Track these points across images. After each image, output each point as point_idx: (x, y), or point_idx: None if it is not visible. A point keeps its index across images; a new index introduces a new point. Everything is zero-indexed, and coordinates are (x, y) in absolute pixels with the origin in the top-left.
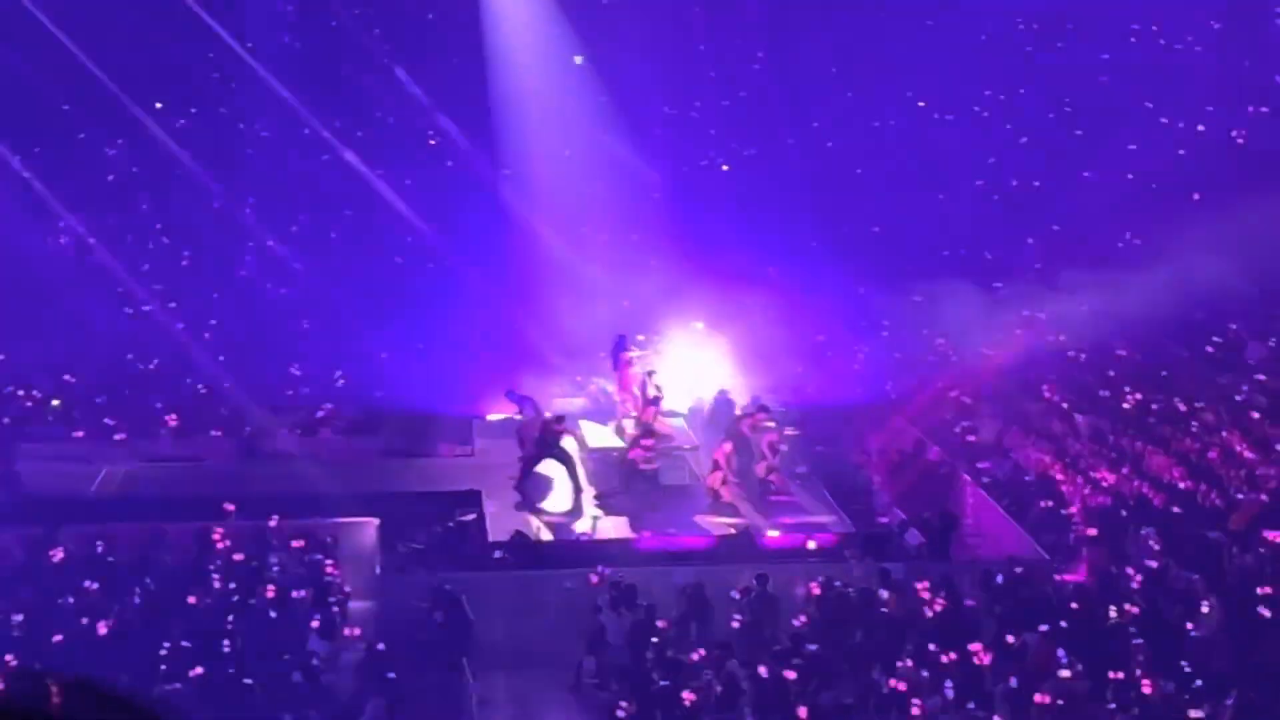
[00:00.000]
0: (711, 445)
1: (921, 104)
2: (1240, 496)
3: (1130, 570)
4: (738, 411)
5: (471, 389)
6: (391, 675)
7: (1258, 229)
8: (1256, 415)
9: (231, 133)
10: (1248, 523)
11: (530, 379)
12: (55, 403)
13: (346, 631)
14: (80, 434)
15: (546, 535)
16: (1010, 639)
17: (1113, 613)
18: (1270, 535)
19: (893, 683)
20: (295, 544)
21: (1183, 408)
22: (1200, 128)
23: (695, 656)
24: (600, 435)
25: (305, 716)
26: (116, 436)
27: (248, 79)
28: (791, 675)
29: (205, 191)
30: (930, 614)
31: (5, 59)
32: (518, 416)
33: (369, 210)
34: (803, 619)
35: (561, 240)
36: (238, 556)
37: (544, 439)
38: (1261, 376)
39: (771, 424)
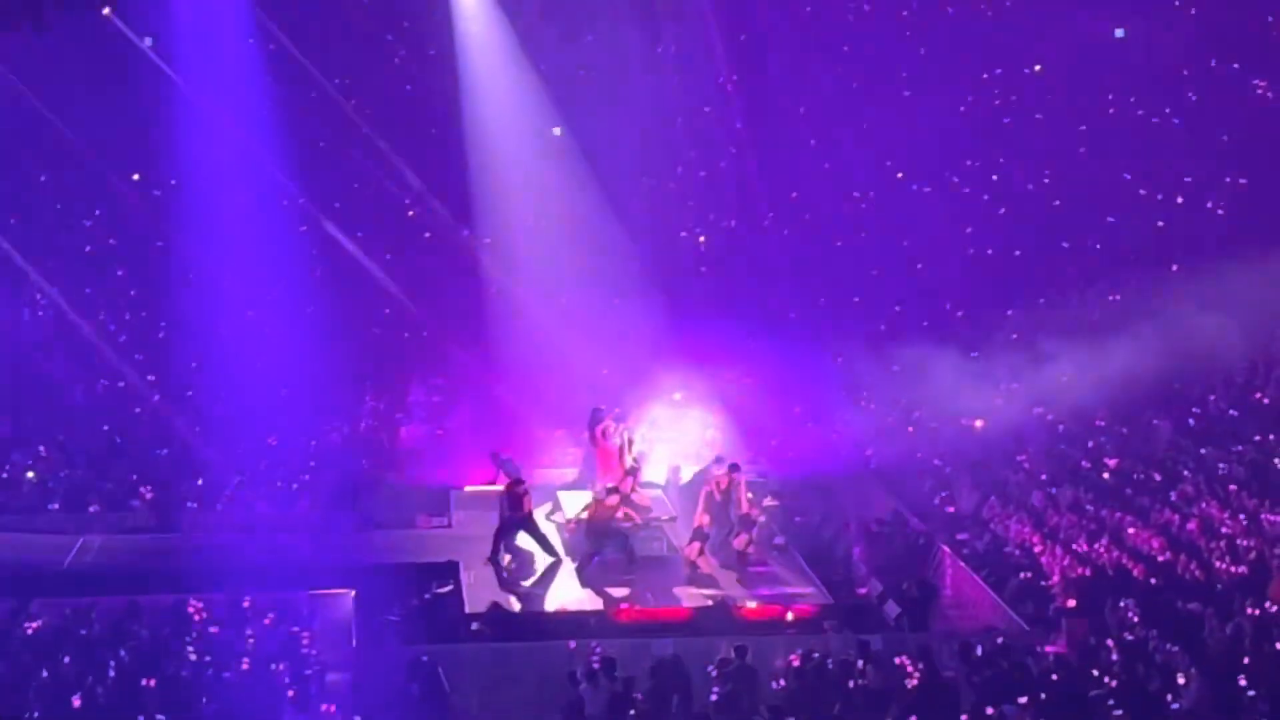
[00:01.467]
0: (689, 515)
1: (900, 174)
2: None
3: (1110, 642)
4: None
5: (449, 459)
6: None
7: (1236, 299)
8: (1234, 488)
9: (209, 203)
10: None
11: (510, 449)
12: (30, 474)
13: (322, 705)
14: (55, 505)
15: (522, 607)
16: (989, 711)
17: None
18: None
19: None
20: (270, 616)
21: (1162, 479)
22: (1178, 199)
23: None
24: (578, 505)
25: None
26: (91, 508)
27: (225, 149)
28: None
29: (182, 262)
30: (909, 686)
31: None
32: (495, 486)
33: (346, 280)
34: (781, 689)
35: (540, 310)
36: (213, 629)
37: (509, 503)
38: (1240, 448)
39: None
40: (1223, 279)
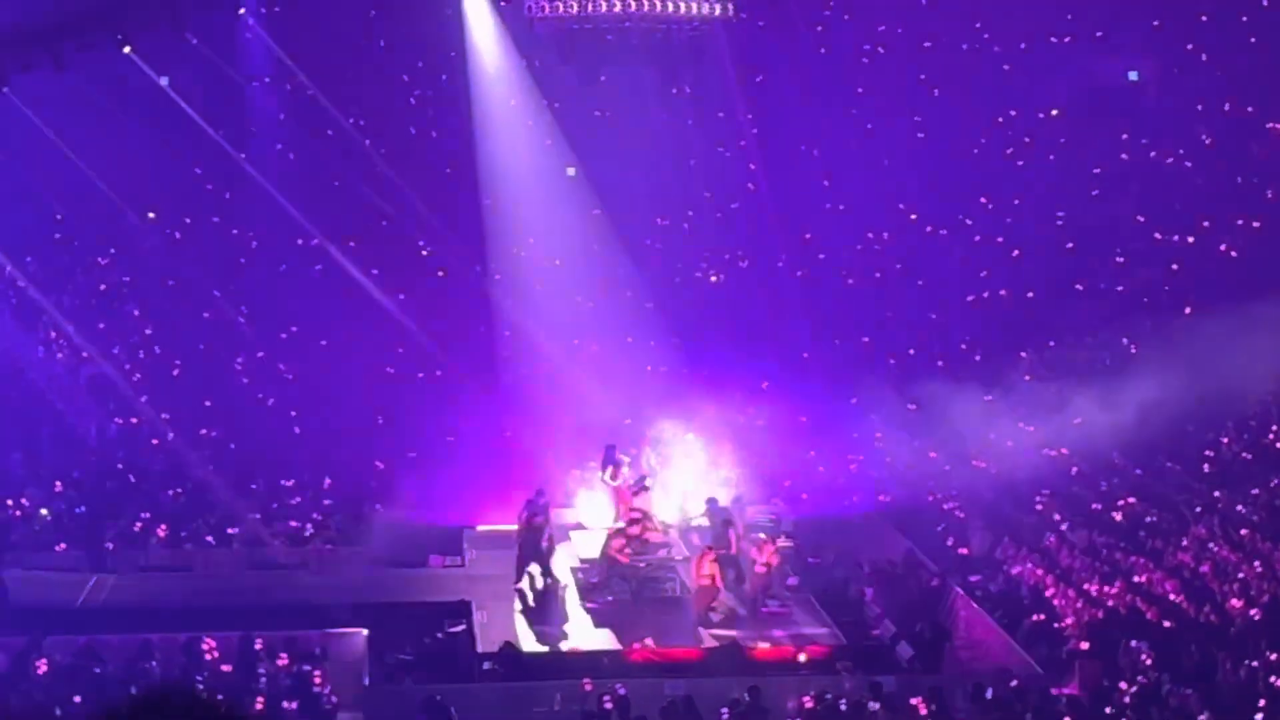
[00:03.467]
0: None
1: (913, 216)
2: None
3: (1123, 684)
4: (729, 519)
5: (463, 499)
6: None
7: (1249, 341)
8: (1246, 531)
9: (224, 241)
10: None
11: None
12: (44, 512)
13: None
14: (68, 543)
15: (534, 646)
16: None
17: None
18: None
19: None
20: (283, 655)
21: (1176, 521)
22: (1192, 241)
23: None
24: (593, 546)
25: None
26: (105, 545)
27: (241, 187)
28: None
29: (197, 300)
30: None
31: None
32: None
33: (361, 319)
34: None
35: (554, 350)
36: (225, 667)
37: (524, 535)
38: (1255, 490)
39: (764, 537)
40: (1236, 322)
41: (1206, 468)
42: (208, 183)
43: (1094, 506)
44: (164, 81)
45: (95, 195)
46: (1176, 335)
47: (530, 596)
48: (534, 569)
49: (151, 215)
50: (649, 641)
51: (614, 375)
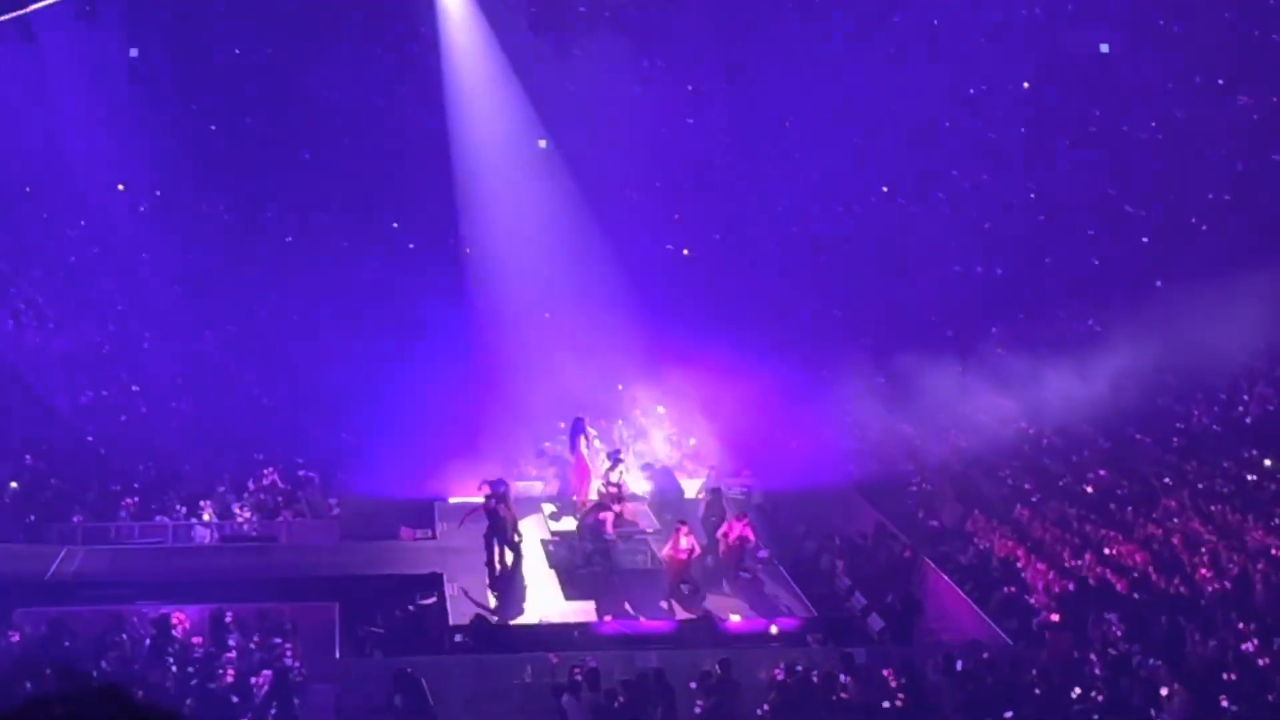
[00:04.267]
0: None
1: (885, 188)
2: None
3: (1093, 656)
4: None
5: (434, 472)
6: None
7: (1219, 315)
8: (1217, 507)
9: (194, 214)
10: None
11: (492, 462)
12: (13, 484)
13: (305, 716)
14: (37, 516)
15: (506, 619)
16: None
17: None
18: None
19: None
20: (253, 627)
21: (1146, 493)
22: (1162, 215)
23: None
24: (564, 518)
25: None
26: (75, 519)
27: (211, 161)
28: None
29: (167, 273)
30: (892, 700)
31: None
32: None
33: (330, 292)
34: (764, 705)
35: (523, 322)
36: (196, 640)
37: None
38: (1226, 463)
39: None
40: (1207, 295)
41: (1177, 440)
42: (178, 155)
43: (1064, 479)
44: (133, 52)
45: (63, 167)
46: (1147, 309)
47: (500, 570)
48: (500, 551)
49: (121, 187)
50: (622, 612)
51: (585, 348)
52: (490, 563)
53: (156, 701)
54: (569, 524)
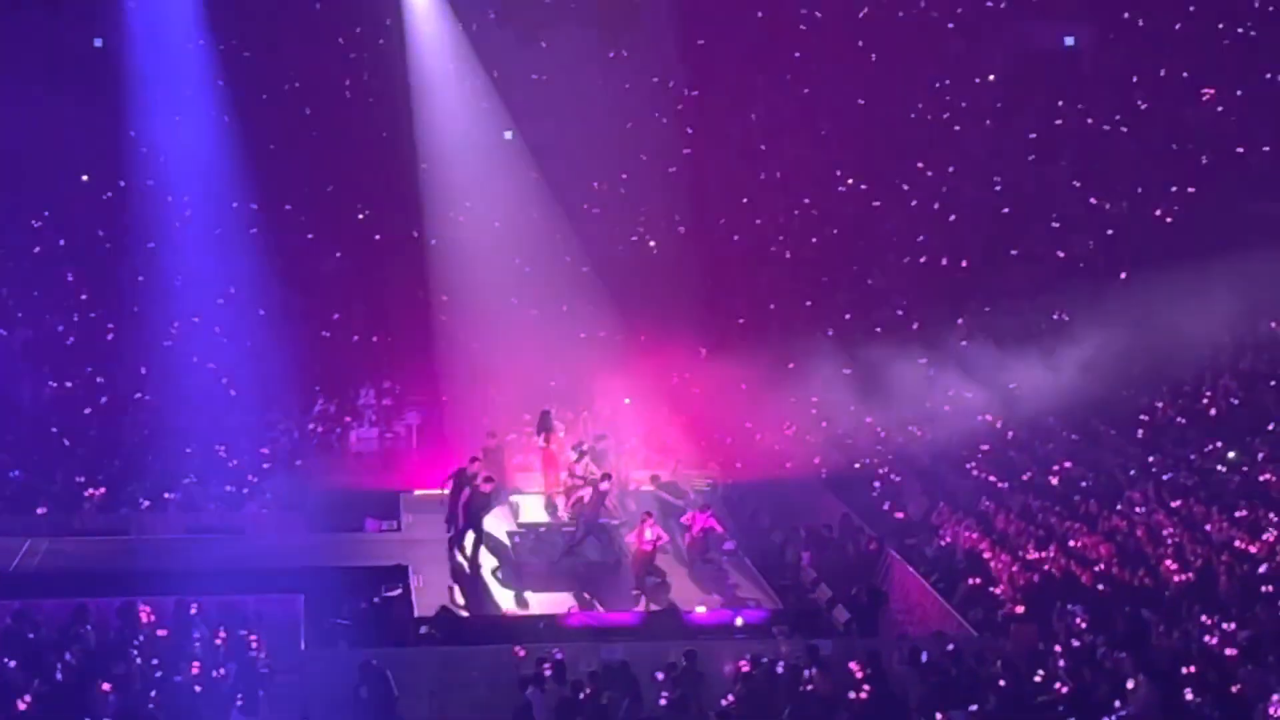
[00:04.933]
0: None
1: (850, 181)
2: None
3: (1058, 648)
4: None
5: (398, 463)
6: None
7: (1183, 307)
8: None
9: (158, 205)
10: None
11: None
12: None
13: (270, 708)
14: (1, 508)
15: (471, 611)
16: (938, 717)
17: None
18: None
19: None
20: (218, 619)
21: (1111, 486)
22: (1126, 207)
23: None
24: (530, 510)
25: None
26: (39, 510)
27: (175, 151)
28: None
29: (131, 264)
30: (857, 691)
31: None
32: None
33: (297, 283)
34: (730, 697)
35: (489, 314)
36: (161, 632)
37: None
38: (1193, 456)
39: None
40: (1171, 287)
41: (1141, 432)
42: (142, 146)
43: (1029, 471)
44: (97, 43)
45: (27, 158)
46: (1112, 301)
47: (466, 563)
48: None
49: (85, 178)
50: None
51: (551, 340)
52: (460, 550)
53: None
54: (537, 515)
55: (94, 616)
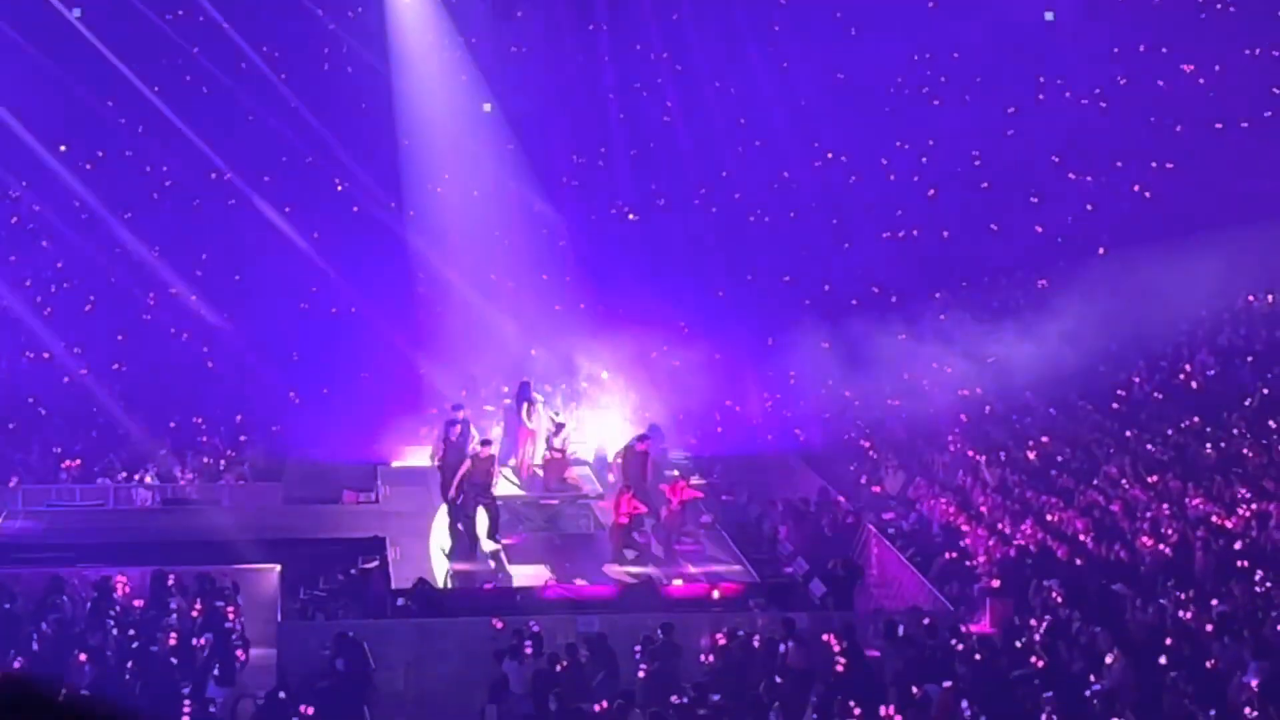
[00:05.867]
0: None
1: (830, 155)
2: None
3: (1033, 622)
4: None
5: (376, 435)
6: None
7: (1162, 282)
8: (1157, 474)
9: (137, 176)
10: None
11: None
12: None
13: (246, 679)
14: None
15: (448, 583)
16: (914, 690)
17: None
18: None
19: None
20: (194, 590)
21: (1087, 460)
22: (1106, 182)
23: (598, 707)
24: (508, 483)
25: None
26: (12, 481)
27: (154, 122)
28: None
29: (109, 235)
30: (833, 665)
31: None
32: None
33: (275, 254)
34: (707, 667)
35: (468, 286)
36: (137, 603)
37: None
38: (1170, 431)
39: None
40: (1149, 262)
41: (1118, 407)
42: (119, 116)
43: (1006, 445)
44: (75, 14)
45: (5, 128)
46: (1090, 275)
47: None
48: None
49: (63, 148)
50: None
51: (529, 313)
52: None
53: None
54: (510, 489)
55: (70, 587)
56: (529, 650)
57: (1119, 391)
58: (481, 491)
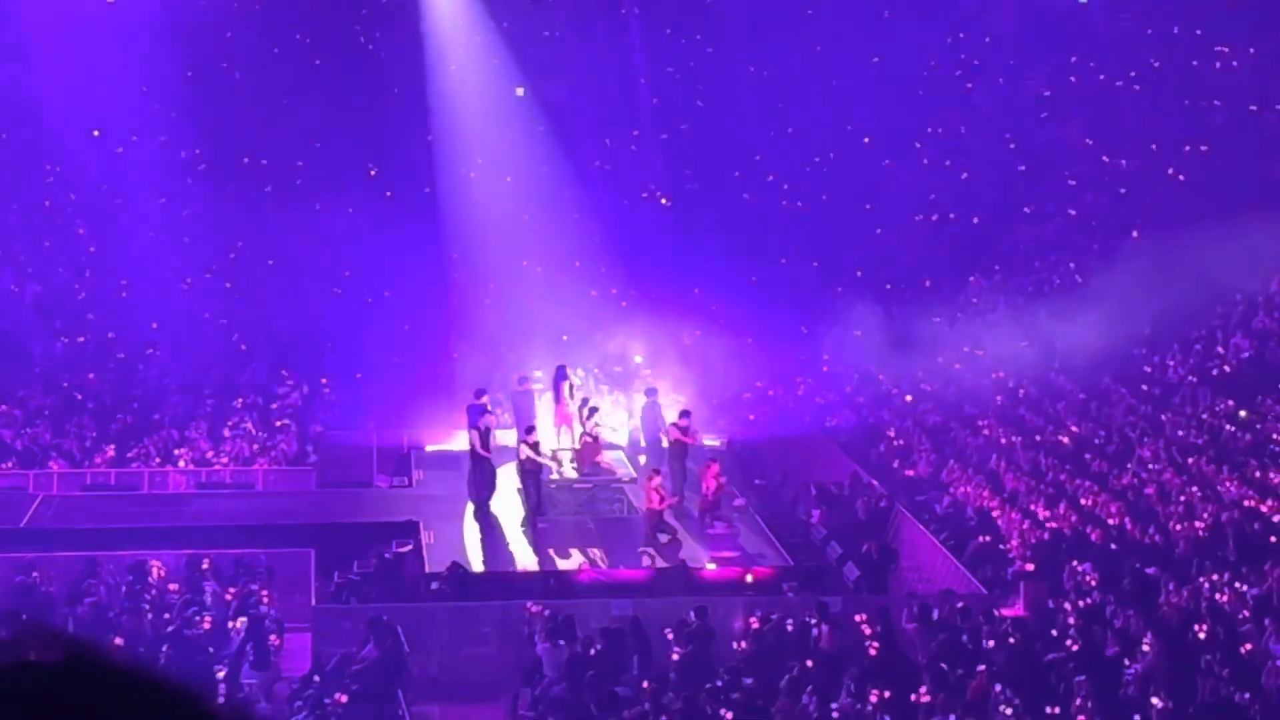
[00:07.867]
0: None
1: (865, 140)
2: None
3: (1067, 606)
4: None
5: (410, 420)
6: (327, 702)
7: (1196, 265)
8: (1191, 458)
9: (170, 160)
10: None
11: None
12: None
13: (281, 663)
14: (14, 463)
15: (482, 566)
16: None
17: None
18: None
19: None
20: (229, 574)
21: (1121, 444)
22: (1140, 165)
23: (631, 690)
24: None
25: None
26: (51, 465)
27: (185, 107)
28: (729, 716)
29: (142, 219)
30: (867, 648)
31: None
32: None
33: (307, 240)
34: (740, 651)
35: (500, 272)
36: (172, 587)
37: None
38: (1205, 416)
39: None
40: (1183, 246)
41: (1151, 389)
42: (154, 101)
43: (1040, 429)
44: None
45: (36, 112)
46: (1124, 259)
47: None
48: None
49: (96, 133)
50: (599, 561)
51: (563, 297)
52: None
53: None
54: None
55: (105, 571)
56: (565, 627)
57: (1153, 375)
58: (528, 475)
